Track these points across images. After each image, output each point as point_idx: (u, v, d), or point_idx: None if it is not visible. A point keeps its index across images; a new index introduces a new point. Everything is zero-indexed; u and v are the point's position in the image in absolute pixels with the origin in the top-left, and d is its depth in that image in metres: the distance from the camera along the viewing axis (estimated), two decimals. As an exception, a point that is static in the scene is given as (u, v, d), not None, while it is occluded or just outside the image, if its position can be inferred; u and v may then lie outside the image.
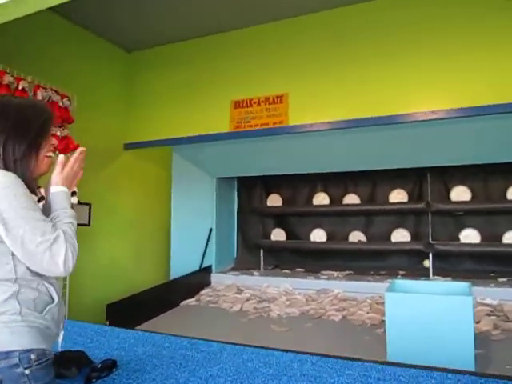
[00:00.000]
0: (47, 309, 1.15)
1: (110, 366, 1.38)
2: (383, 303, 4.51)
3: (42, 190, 1.36)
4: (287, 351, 1.57)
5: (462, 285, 3.24)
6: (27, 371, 1.05)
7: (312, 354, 1.51)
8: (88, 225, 4.94)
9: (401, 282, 3.44)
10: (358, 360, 1.44)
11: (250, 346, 1.65)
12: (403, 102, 4.29)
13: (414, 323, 2.82)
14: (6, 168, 1.22)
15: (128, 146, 5.77)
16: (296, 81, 4.81)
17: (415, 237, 5.48)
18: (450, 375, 1.30)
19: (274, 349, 1.59)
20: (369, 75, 4.46)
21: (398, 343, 2.84)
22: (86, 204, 4.86)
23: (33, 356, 1.07)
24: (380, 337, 3.71)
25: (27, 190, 1.20)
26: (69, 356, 1.39)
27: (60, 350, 1.42)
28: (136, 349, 1.59)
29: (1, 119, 1.25)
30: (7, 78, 3.90)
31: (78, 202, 4.41)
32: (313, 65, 4.75)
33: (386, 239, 5.53)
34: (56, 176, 1.32)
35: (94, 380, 1.31)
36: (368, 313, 4.42)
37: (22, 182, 1.19)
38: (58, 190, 1.30)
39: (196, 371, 1.38)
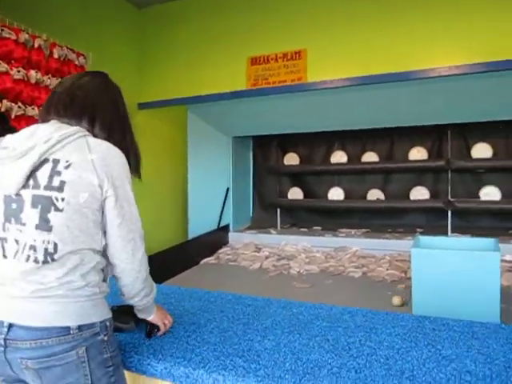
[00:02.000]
0: (108, 277, 1.20)
1: (166, 319, 1.39)
2: (402, 260, 4.59)
3: None
4: (333, 305, 1.58)
5: (487, 241, 3.20)
6: (105, 337, 1.12)
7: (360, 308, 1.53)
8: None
9: (425, 239, 3.43)
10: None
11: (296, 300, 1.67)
12: (422, 57, 4.22)
13: (440, 279, 2.83)
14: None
15: (142, 106, 5.68)
16: (315, 36, 4.69)
17: (434, 195, 5.48)
18: (504, 326, 1.32)
19: (320, 303, 1.60)
20: (388, 30, 4.36)
21: (424, 298, 2.87)
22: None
23: (107, 323, 1.15)
24: (402, 292, 3.77)
25: None
26: (124, 310, 1.40)
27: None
28: (183, 303, 1.61)
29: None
30: (23, 36, 3.84)
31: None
32: (331, 19, 4.62)
33: (405, 197, 5.52)
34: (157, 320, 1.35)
35: (154, 333, 1.32)
36: (388, 269, 4.47)
37: None
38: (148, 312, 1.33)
39: (250, 324, 1.40)
